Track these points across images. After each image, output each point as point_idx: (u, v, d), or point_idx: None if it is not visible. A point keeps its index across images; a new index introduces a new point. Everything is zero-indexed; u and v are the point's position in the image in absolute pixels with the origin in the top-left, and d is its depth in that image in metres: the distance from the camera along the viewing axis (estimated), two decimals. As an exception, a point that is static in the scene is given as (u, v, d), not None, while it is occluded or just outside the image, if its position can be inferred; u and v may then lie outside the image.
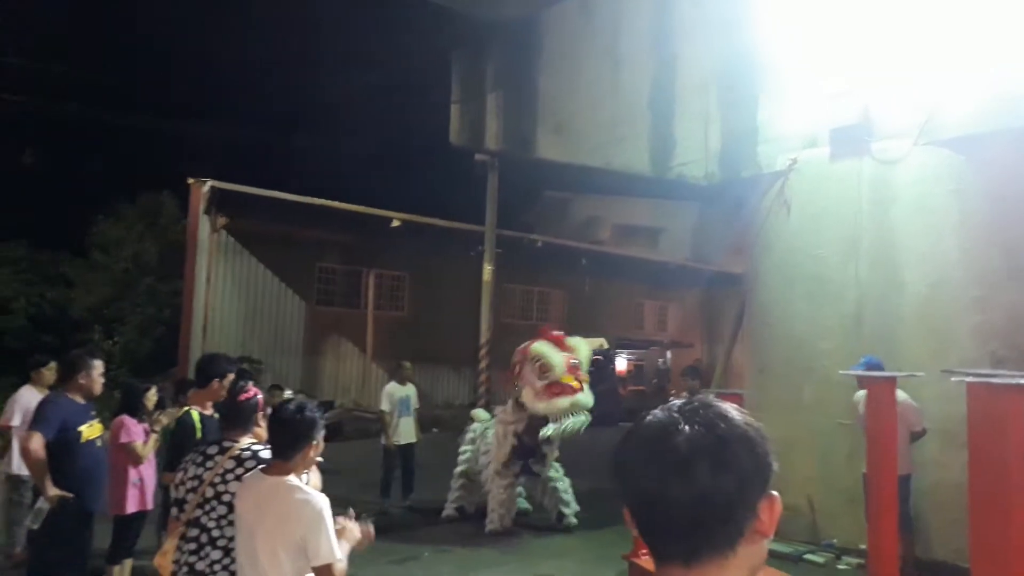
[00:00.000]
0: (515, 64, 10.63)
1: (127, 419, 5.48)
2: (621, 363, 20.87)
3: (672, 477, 1.00)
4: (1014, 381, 3.56)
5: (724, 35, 8.58)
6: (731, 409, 1.07)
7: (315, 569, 2.79)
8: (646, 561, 6.25)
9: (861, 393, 6.82)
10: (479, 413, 9.00)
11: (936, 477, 6.63)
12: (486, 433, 8.35)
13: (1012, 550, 3.55)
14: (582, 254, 22.55)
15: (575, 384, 7.32)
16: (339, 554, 2.81)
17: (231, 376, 4.75)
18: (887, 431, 4.13)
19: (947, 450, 6.46)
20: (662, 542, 1.04)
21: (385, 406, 8.91)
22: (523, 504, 8.50)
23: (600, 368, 20.10)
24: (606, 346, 20.57)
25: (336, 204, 17.19)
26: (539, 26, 10.41)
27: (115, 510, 5.34)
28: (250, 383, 3.88)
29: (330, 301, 19.11)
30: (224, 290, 17.14)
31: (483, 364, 16.53)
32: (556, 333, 7.80)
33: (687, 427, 1.03)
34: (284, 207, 16.96)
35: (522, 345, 7.87)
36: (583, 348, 7.78)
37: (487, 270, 17.40)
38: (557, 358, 7.37)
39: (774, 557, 7.18)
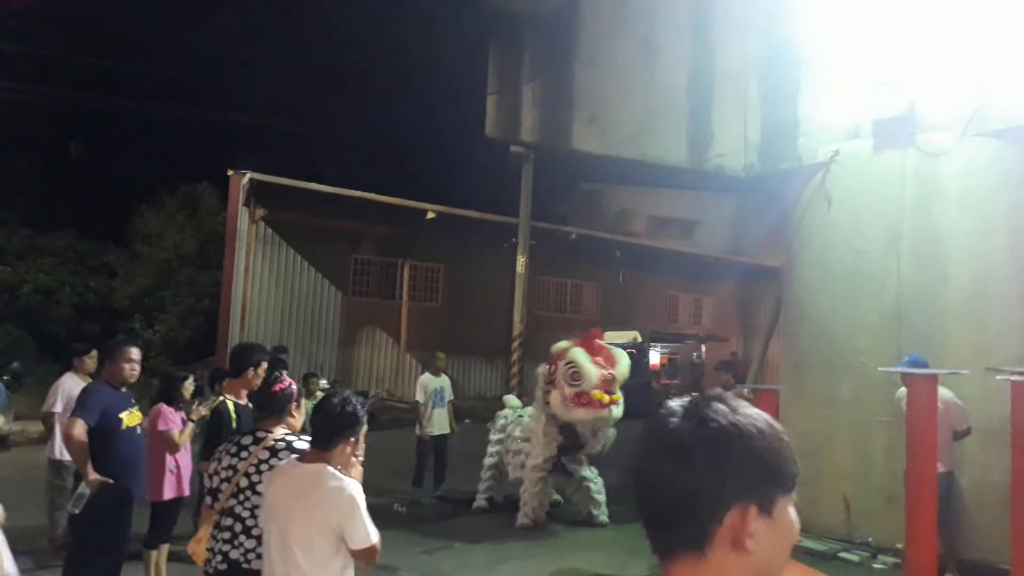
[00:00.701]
0: (551, 55, 10.54)
1: (164, 407, 5.58)
2: (654, 357, 20.68)
3: (647, 466, 1.03)
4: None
5: (764, 25, 8.42)
6: (732, 409, 1.02)
7: (356, 552, 2.83)
8: (678, 557, 6.22)
9: (903, 391, 6.68)
10: (510, 400, 8.98)
11: (978, 476, 6.47)
12: (519, 420, 8.31)
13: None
14: (616, 246, 22.41)
15: (605, 399, 7.14)
16: (375, 536, 2.84)
17: (265, 365, 4.79)
18: (927, 429, 4.04)
19: (990, 449, 6.30)
20: (648, 535, 1.05)
21: (420, 397, 8.95)
22: (555, 497, 8.48)
23: (633, 361, 20.00)
24: (639, 339, 20.45)
25: (371, 196, 17.31)
26: (575, 16, 10.30)
27: (152, 496, 5.45)
28: (284, 373, 3.92)
29: (365, 292, 19.28)
30: (261, 280, 17.40)
31: (516, 356, 16.55)
32: (601, 342, 7.57)
33: (675, 420, 1.03)
34: (321, 199, 17.15)
35: (562, 343, 7.71)
36: (624, 361, 7.53)
37: (520, 262, 17.38)
38: (591, 369, 7.19)
39: (807, 554, 7.09)
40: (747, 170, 8.41)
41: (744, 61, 8.58)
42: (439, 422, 8.92)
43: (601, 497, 8.01)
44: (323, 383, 15.21)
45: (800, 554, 7.10)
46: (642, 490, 1.04)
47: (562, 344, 7.65)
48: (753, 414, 1.04)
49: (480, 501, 8.51)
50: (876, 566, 6.73)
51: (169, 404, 5.66)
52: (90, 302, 18.66)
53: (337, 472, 2.87)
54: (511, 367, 16.48)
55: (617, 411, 7.34)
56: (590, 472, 8.07)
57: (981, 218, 6.77)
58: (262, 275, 17.37)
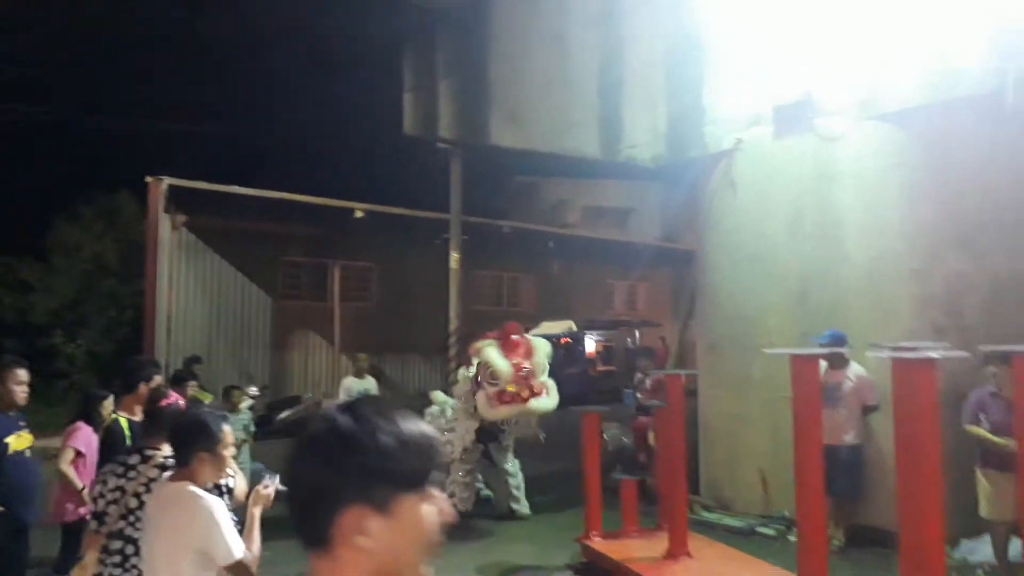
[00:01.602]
0: (465, 51, 10.54)
1: (81, 425, 5.41)
2: (590, 344, 20.94)
3: (290, 465, 1.12)
4: (923, 355, 3.62)
5: (669, 16, 8.58)
6: (362, 415, 1.08)
7: (228, 568, 2.80)
8: (598, 543, 6.33)
9: (821, 365, 6.93)
10: (436, 395, 8.96)
11: (883, 448, 6.75)
12: (445, 412, 8.31)
13: (928, 520, 3.62)
14: (549, 238, 22.54)
15: (524, 394, 7.12)
16: (239, 552, 2.81)
17: (158, 379, 4.71)
18: (810, 405, 4.20)
19: (889, 421, 6.56)
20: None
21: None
22: (484, 492, 8.52)
23: (569, 350, 20.20)
24: (574, 328, 20.66)
25: (296, 197, 17.01)
26: (487, 11, 10.32)
27: (61, 518, 5.28)
28: (170, 389, 3.85)
29: (296, 295, 18.98)
30: (187, 289, 16.96)
31: (452, 352, 16.52)
32: (515, 336, 7.46)
33: (316, 423, 1.12)
34: (244, 202, 16.77)
35: (479, 343, 7.62)
36: (542, 351, 7.46)
37: (454, 258, 17.35)
38: (503, 366, 7.10)
39: (727, 531, 7.30)
40: (656, 160, 8.57)
41: (652, 53, 8.73)
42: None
43: (519, 492, 8.03)
44: (252, 391, 14.92)
45: (720, 532, 7.31)
46: (288, 487, 1.12)
47: (478, 344, 7.61)
48: (380, 418, 1.09)
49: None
50: (792, 539, 6.94)
51: (88, 423, 5.47)
52: (6, 319, 17.93)
53: (197, 490, 2.83)
54: (448, 363, 16.48)
55: (540, 402, 7.28)
56: (512, 465, 8.11)
57: (875, 198, 7.04)
58: (187, 283, 16.94)
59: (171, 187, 16.29)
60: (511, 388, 7.06)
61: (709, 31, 8.21)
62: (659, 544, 6.01)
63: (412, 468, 1.08)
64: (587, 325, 21.32)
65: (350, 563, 1.06)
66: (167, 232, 16.55)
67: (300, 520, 1.09)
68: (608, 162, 9.04)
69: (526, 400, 7.16)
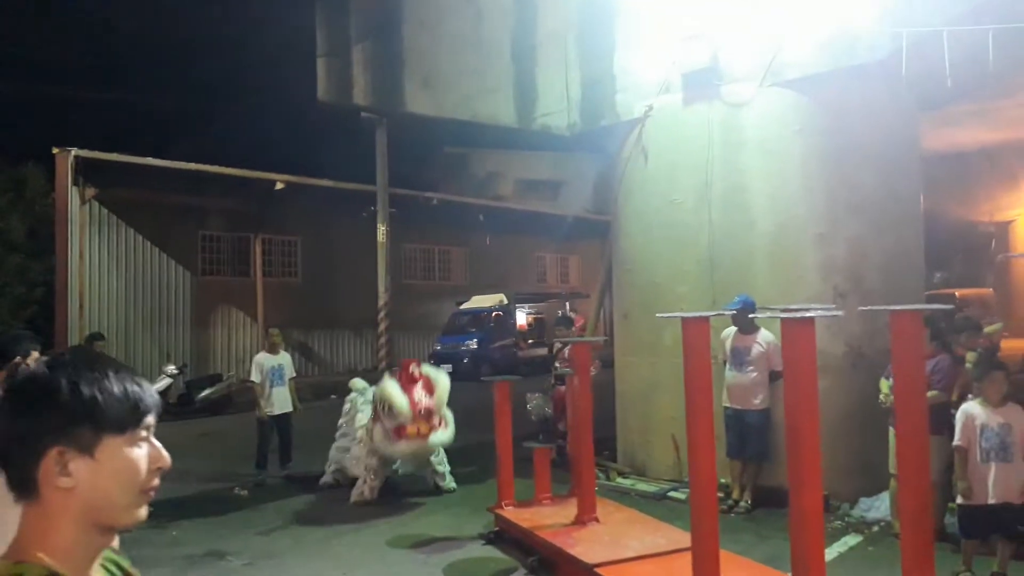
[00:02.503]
0: (379, 15, 10.23)
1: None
2: (521, 317, 20.99)
3: None
4: (799, 315, 3.66)
5: (580, -21, 8.47)
6: (59, 364, 1.11)
7: None
8: (509, 511, 6.33)
9: (728, 331, 7.03)
10: (355, 383, 8.74)
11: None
12: (365, 394, 8.17)
13: (809, 483, 3.68)
14: (479, 210, 22.40)
15: (423, 430, 7.07)
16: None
17: (35, 355, 4.46)
18: (702, 366, 4.22)
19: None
20: None
21: (255, 376, 8.64)
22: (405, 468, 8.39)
23: (499, 323, 20.19)
24: (505, 301, 20.65)
25: (213, 168, 16.48)
26: (402, -27, 10.03)
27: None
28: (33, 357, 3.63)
29: (217, 270, 18.45)
30: (100, 264, 16.29)
31: (383, 327, 16.33)
32: (413, 370, 7.38)
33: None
34: (159, 174, 16.17)
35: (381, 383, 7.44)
36: (442, 383, 7.37)
37: (381, 231, 17.09)
38: (401, 403, 7.03)
39: (640, 497, 7.39)
40: (571, 128, 8.50)
41: (564, 19, 8.62)
42: (279, 401, 8.64)
43: (443, 467, 7.92)
44: (170, 369, 14.54)
45: (633, 498, 7.40)
46: None
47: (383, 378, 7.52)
48: (81, 366, 1.11)
49: (327, 477, 8.32)
50: (700, 501, 7.08)
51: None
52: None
53: None
54: (379, 338, 16.26)
55: (439, 437, 7.26)
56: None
57: (779, 165, 7.13)
58: (100, 258, 16.27)
59: (80, 158, 15.58)
60: (411, 429, 7.00)
61: (621, -4, 8.15)
62: (570, 511, 6.05)
63: (115, 413, 1.10)
64: (518, 298, 21.33)
65: (57, 506, 1.08)
66: (76, 206, 15.84)
67: (7, 472, 1.09)
68: (524, 130, 8.91)
69: (425, 436, 7.10)
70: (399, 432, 7.06)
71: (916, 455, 3.83)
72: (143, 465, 1.12)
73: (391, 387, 7.14)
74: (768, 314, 5.59)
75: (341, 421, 8.49)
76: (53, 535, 1.07)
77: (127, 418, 1.11)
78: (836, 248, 6.98)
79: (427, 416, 7.09)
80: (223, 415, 14.18)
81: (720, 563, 4.22)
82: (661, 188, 7.74)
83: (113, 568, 1.20)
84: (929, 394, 5.80)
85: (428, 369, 7.53)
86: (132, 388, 1.12)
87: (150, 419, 1.15)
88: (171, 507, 7.58)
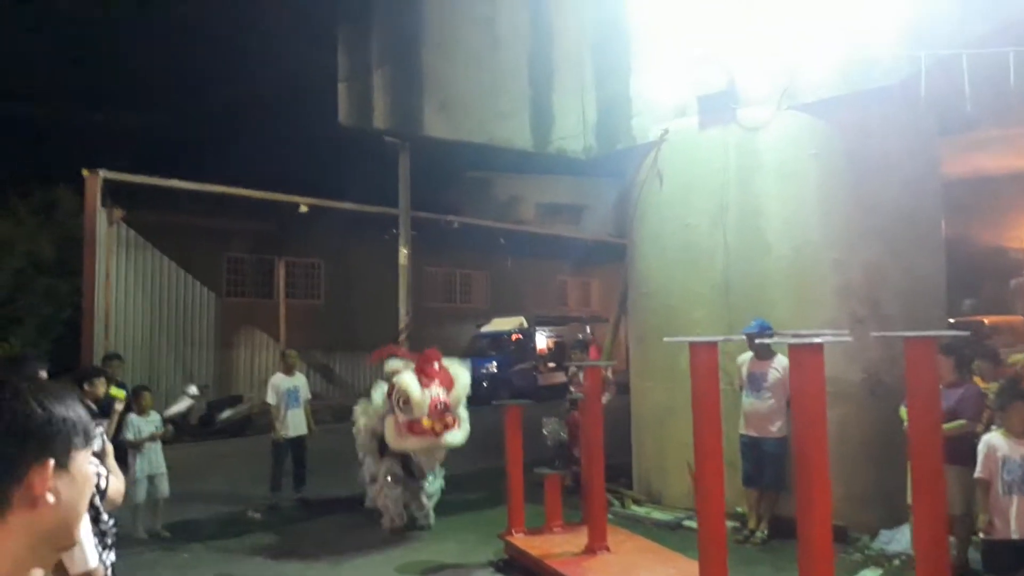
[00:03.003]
0: (399, 39, 10.36)
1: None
2: (541, 341, 20.90)
3: None
4: (811, 340, 3.59)
5: (596, 4, 8.50)
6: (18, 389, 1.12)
7: None
8: (520, 539, 6.25)
9: (743, 357, 6.92)
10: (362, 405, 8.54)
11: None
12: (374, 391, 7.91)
13: (819, 504, 3.59)
14: (500, 233, 22.47)
15: (438, 428, 6.78)
16: (93, 561, 2.65)
17: (42, 375, 4.50)
18: (710, 391, 4.15)
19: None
20: None
21: (271, 398, 8.65)
22: None
23: (519, 346, 20.13)
24: (525, 324, 20.60)
25: (237, 191, 16.72)
26: None
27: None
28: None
29: (241, 292, 18.63)
30: (126, 285, 16.54)
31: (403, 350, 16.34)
32: (435, 365, 7.05)
33: None
34: (185, 197, 16.44)
35: (394, 363, 7.19)
36: (462, 380, 7.11)
37: (403, 254, 17.18)
38: (419, 398, 6.71)
39: (655, 526, 7.26)
40: (587, 151, 8.50)
41: (580, 43, 8.65)
42: (294, 423, 8.63)
43: (428, 504, 7.62)
44: (192, 389, 14.66)
45: (647, 526, 7.27)
46: None
47: (394, 365, 7.15)
48: (27, 385, 1.14)
49: (369, 502, 7.86)
50: (716, 530, 6.93)
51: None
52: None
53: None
54: (398, 360, 16.30)
55: (453, 437, 6.95)
56: (430, 483, 7.66)
57: (796, 188, 7.05)
58: (127, 279, 16.52)
59: (109, 181, 15.88)
60: (426, 422, 6.70)
61: (636, 19, 8.16)
62: (581, 539, 5.95)
63: (80, 428, 1.15)
64: (538, 321, 21.28)
65: (20, 526, 1.08)
66: (104, 227, 16.13)
67: None
68: (540, 154, 8.92)
69: (439, 435, 6.79)
70: (412, 427, 6.73)
71: (931, 486, 3.73)
72: (93, 479, 1.21)
73: (410, 380, 6.79)
74: (775, 339, 5.49)
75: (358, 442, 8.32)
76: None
77: (88, 433, 1.17)
78: (853, 273, 6.86)
79: (443, 413, 6.79)
80: (243, 437, 14.23)
81: (728, 595, 4.13)
82: (676, 211, 7.69)
83: None
84: (955, 423, 5.67)
85: (449, 363, 7.20)
86: (79, 408, 1.18)
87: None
88: (185, 530, 7.60)
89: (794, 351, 3.79)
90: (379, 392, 7.34)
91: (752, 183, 7.22)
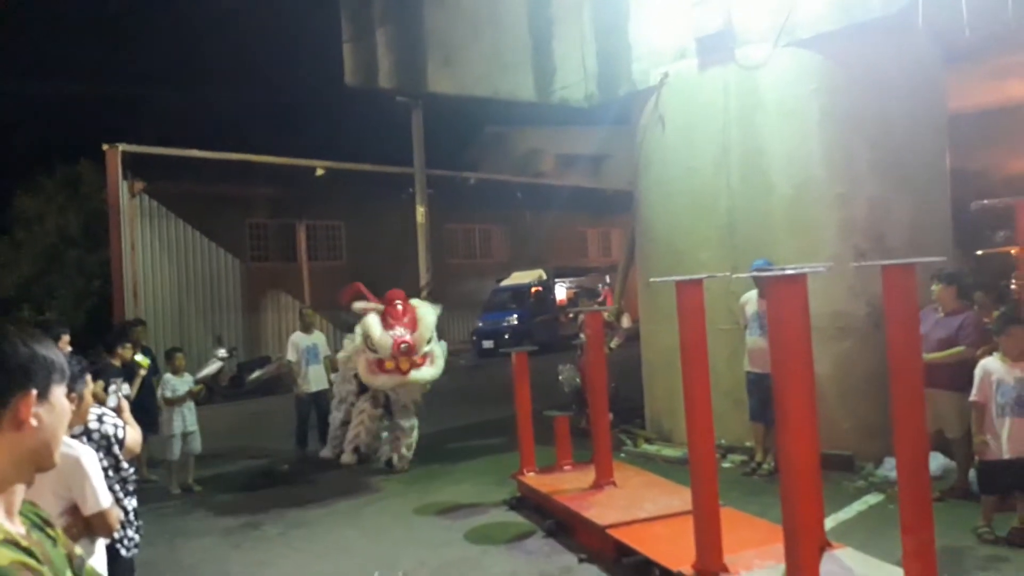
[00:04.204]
0: (400, -3, 10.37)
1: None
2: (560, 292, 21.04)
3: None
4: (792, 272, 3.68)
5: (594, -50, 8.43)
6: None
7: (89, 518, 2.82)
8: (531, 478, 6.48)
9: (746, 296, 7.02)
10: (343, 356, 8.75)
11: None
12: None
13: (800, 427, 3.72)
14: (517, 187, 22.48)
15: (403, 367, 7.11)
16: (106, 501, 2.86)
17: (65, 339, 4.78)
18: (696, 330, 4.28)
19: (821, 348, 6.67)
20: None
21: (291, 356, 8.94)
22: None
23: (539, 299, 20.31)
24: (544, 277, 20.74)
25: (253, 157, 16.93)
26: (420, -46, 10.12)
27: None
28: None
29: (264, 256, 18.98)
30: (152, 255, 16.94)
31: (424, 306, 16.59)
32: (397, 304, 7.34)
33: None
34: (203, 165, 16.69)
35: (360, 304, 7.46)
36: (427, 319, 7.34)
37: (420, 212, 17.36)
38: (382, 339, 7.04)
39: (665, 462, 7.47)
40: (589, 99, 8.51)
41: (579, -11, 8.60)
42: (315, 379, 8.92)
43: (408, 451, 7.90)
44: (221, 352, 15.03)
45: (657, 463, 7.48)
46: None
47: (360, 306, 7.42)
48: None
49: (347, 457, 8.15)
50: (725, 465, 7.11)
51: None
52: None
53: (64, 437, 2.86)
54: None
55: (421, 374, 7.27)
56: (409, 424, 7.94)
57: (797, 125, 7.03)
58: (152, 249, 16.91)
59: (129, 153, 16.17)
60: (389, 364, 7.05)
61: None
62: (589, 476, 6.16)
63: (59, 366, 1.35)
64: (557, 273, 21.40)
65: (11, 444, 1.28)
66: (127, 199, 16.47)
67: None
68: (543, 104, 8.94)
69: (405, 372, 7.15)
70: (380, 365, 7.12)
71: (912, 410, 3.83)
72: (68, 411, 1.40)
73: (372, 322, 7.14)
74: (759, 273, 5.59)
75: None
76: None
77: (64, 372, 1.37)
78: (856, 208, 6.88)
79: (408, 353, 7.08)
80: (272, 395, 14.66)
81: (721, 518, 4.31)
82: (679, 155, 7.72)
83: (34, 517, 1.40)
84: (954, 350, 5.76)
85: (417, 303, 7.46)
86: (56, 351, 1.38)
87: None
88: (216, 483, 7.99)
89: (772, 284, 3.88)
90: (358, 332, 7.62)
91: (753, 123, 7.21)
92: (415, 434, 8.00)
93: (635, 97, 8.16)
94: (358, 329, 7.53)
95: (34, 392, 1.29)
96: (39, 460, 1.33)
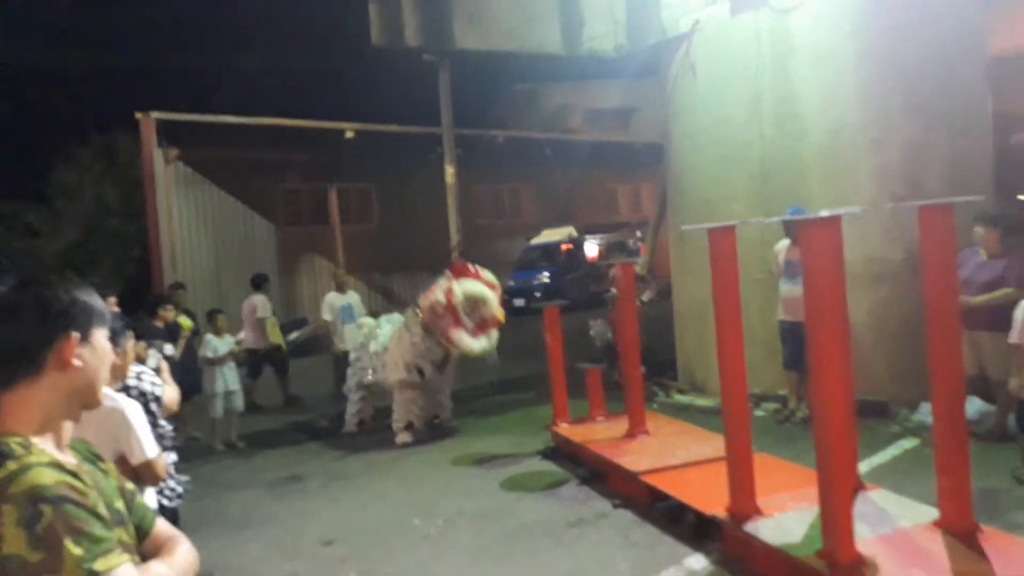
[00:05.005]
0: (425, -48, 10.25)
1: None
2: (591, 249, 20.97)
3: None
4: (831, 214, 3.63)
5: None
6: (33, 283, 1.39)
7: (135, 468, 2.94)
8: (564, 428, 6.58)
9: (780, 244, 6.97)
10: (363, 320, 8.69)
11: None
12: (375, 333, 8.11)
13: (833, 371, 3.71)
14: (545, 144, 22.28)
15: (501, 317, 7.33)
16: (153, 452, 2.97)
17: (112, 300, 4.92)
18: (728, 276, 4.27)
19: (855, 295, 6.61)
20: None
21: (327, 315, 9.12)
22: None
23: (570, 256, 20.28)
24: (574, 234, 20.67)
25: (283, 121, 17.01)
26: (444, -92, 9.97)
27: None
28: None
29: (298, 221, 19.17)
30: (188, 222, 17.21)
31: (456, 266, 16.68)
32: (472, 269, 7.49)
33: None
34: (236, 132, 16.80)
35: (443, 283, 7.40)
36: (495, 280, 7.56)
37: (449, 172, 17.34)
38: (490, 294, 7.28)
39: (697, 412, 7.51)
40: (618, 50, 8.39)
41: (605, -64, 8.43)
42: (351, 337, 9.08)
43: (448, 402, 8.03)
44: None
45: (692, 413, 7.53)
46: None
47: (444, 284, 7.40)
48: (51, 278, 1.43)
49: (350, 425, 8.27)
50: (758, 414, 7.13)
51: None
52: (20, 263, 18.38)
53: (108, 391, 2.96)
54: (453, 278, 16.66)
55: (494, 337, 7.44)
56: (446, 397, 8.04)
57: (832, 70, 6.87)
58: (188, 216, 17.18)
59: (162, 121, 16.35)
60: (500, 315, 7.21)
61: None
62: (622, 426, 6.24)
63: (99, 311, 1.44)
64: (587, 229, 21.32)
65: (52, 385, 1.36)
66: (161, 167, 16.70)
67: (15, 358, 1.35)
68: (571, 56, 8.84)
69: (500, 324, 7.34)
70: (483, 327, 7.21)
71: (948, 345, 3.81)
72: (110, 353, 1.50)
73: (475, 285, 7.25)
74: (784, 217, 5.53)
75: (352, 356, 8.37)
76: (34, 411, 1.34)
77: (104, 316, 1.46)
78: (893, 153, 6.73)
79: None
80: (310, 355, 14.94)
81: (754, 463, 4.35)
82: (710, 105, 7.61)
83: (86, 452, 1.49)
84: (999, 292, 5.68)
85: (479, 269, 7.61)
86: (96, 297, 1.46)
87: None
88: (258, 439, 8.22)
89: (806, 228, 3.83)
90: (390, 324, 7.86)
91: (786, 69, 7.07)
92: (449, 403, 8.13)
93: (665, 46, 8.03)
94: (386, 323, 7.88)
95: (76, 335, 1.37)
96: (84, 398, 1.43)
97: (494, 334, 7.40)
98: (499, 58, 10.91)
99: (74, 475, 1.28)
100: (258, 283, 10.07)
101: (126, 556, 1.27)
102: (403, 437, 7.54)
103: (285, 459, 7.41)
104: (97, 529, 1.23)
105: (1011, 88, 8.49)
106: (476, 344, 7.28)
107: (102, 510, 1.27)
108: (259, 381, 9.72)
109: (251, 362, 9.45)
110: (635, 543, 4.56)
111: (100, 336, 1.44)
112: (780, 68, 7.12)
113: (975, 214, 5.74)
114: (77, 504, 1.23)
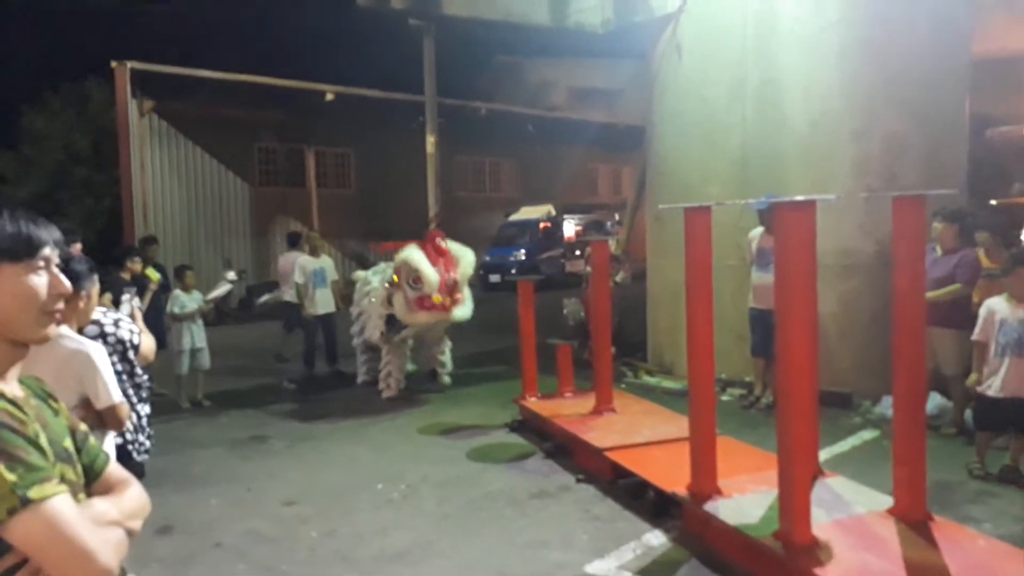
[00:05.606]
0: (415, -86, 10.06)
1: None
2: (569, 228, 20.97)
3: None
4: (805, 199, 3.64)
5: None
6: None
7: (100, 412, 2.89)
8: (532, 402, 6.60)
9: (755, 231, 7.00)
10: (357, 274, 8.95)
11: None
12: (367, 291, 8.27)
13: (799, 355, 3.74)
14: (529, 120, 22.14)
15: (447, 303, 7.15)
16: (117, 396, 2.91)
17: (77, 246, 4.82)
18: (702, 260, 4.28)
19: (825, 285, 6.68)
20: None
21: (299, 278, 9.01)
22: (410, 367, 8.59)
23: (547, 234, 20.28)
24: (552, 213, 20.66)
25: (262, 79, 16.68)
26: None
27: None
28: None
29: (273, 181, 18.91)
30: (161, 175, 16.90)
31: (432, 236, 16.58)
32: (440, 242, 7.38)
33: None
34: (213, 86, 16.45)
35: (404, 249, 7.44)
36: (467, 258, 7.45)
37: (430, 142, 17.17)
38: (431, 274, 7.08)
39: (664, 393, 7.58)
40: (605, 25, 8.32)
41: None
42: (323, 301, 9.01)
43: (447, 359, 8.24)
44: (231, 275, 15.14)
45: (658, 394, 7.59)
46: None
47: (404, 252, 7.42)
48: None
49: (362, 377, 8.68)
50: (724, 398, 7.21)
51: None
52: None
53: (73, 334, 2.90)
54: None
55: (462, 311, 7.36)
56: (444, 353, 8.29)
57: (815, 57, 6.89)
58: (161, 170, 16.86)
59: (138, 71, 15.97)
60: (437, 298, 7.05)
61: None
62: (589, 403, 6.28)
63: (9, 244, 1.29)
64: (566, 209, 21.30)
65: None
66: (136, 118, 16.34)
67: None
68: (557, 28, 8.74)
69: (448, 309, 7.19)
70: (422, 303, 7.13)
71: (912, 335, 3.85)
72: (41, 290, 1.33)
73: (419, 257, 7.14)
74: (759, 201, 5.56)
75: (353, 312, 8.68)
76: None
77: (21, 249, 1.31)
78: (872, 144, 6.78)
79: (451, 290, 7.19)
80: (281, 319, 14.81)
81: (717, 446, 4.39)
82: (694, 85, 7.59)
83: (37, 389, 1.43)
84: (950, 288, 5.77)
85: (452, 244, 7.55)
86: (26, 225, 1.32)
87: (47, 251, 1.35)
88: (224, 398, 8.15)
89: (780, 211, 3.83)
90: (378, 275, 7.79)
91: (770, 53, 7.07)
92: (449, 360, 8.30)
93: (652, 24, 7.98)
94: (374, 276, 7.73)
95: None
96: (8, 333, 1.32)
97: (438, 318, 7.35)
98: (485, 27, 10.78)
99: (14, 404, 1.25)
100: (293, 241, 10.57)
101: (64, 487, 1.23)
102: (388, 393, 7.78)
103: (251, 419, 7.36)
104: (34, 458, 1.20)
105: (985, 91, 8.59)
106: (408, 315, 7.30)
107: (43, 443, 1.24)
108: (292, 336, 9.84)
109: (290, 316, 9.68)
110: (596, 517, 4.61)
111: (12, 272, 1.31)
112: (764, 52, 7.12)
113: (934, 209, 5.79)
114: (14, 431, 1.20)
